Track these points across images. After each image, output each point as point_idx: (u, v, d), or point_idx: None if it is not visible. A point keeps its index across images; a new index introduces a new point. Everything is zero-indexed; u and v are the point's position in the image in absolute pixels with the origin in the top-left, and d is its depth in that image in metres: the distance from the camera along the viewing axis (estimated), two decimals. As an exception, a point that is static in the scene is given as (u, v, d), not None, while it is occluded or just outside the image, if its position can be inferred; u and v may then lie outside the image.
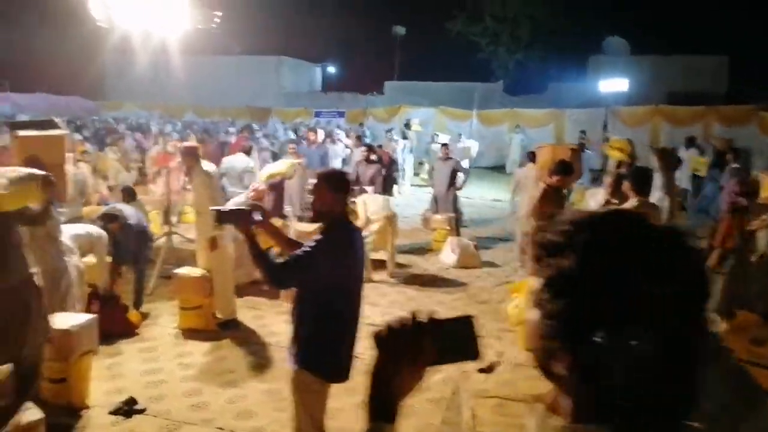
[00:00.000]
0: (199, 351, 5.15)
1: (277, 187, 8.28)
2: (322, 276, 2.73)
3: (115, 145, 12.33)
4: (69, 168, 4.68)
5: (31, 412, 3.31)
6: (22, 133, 4.63)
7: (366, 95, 26.89)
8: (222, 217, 2.81)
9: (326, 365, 2.84)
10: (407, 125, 19.16)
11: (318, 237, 2.77)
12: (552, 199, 5.48)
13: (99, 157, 9.46)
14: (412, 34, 31.54)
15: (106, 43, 26.04)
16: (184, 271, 5.64)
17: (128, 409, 3.98)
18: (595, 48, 27.18)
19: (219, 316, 5.75)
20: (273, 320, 5.97)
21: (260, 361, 4.93)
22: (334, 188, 2.85)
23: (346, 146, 13.26)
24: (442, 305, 6.59)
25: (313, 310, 2.80)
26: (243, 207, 2.85)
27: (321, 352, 2.81)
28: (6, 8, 27.51)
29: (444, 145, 10.18)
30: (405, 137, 15.90)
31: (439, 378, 4.70)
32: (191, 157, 5.45)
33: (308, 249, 2.71)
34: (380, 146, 12.84)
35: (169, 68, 24.15)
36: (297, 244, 2.94)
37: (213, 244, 5.46)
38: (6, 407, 3.34)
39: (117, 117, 22.91)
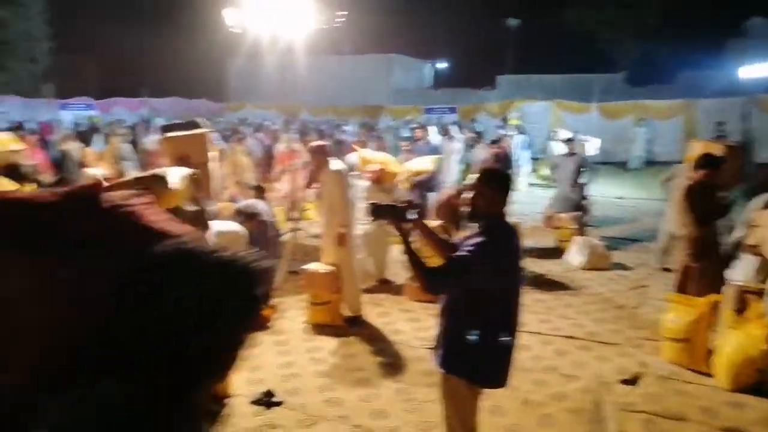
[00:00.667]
0: (328, 346, 5.23)
1: (421, 185, 8.07)
2: (481, 281, 2.60)
3: (240, 145, 12.99)
4: (212, 166, 4.91)
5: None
6: (168, 134, 4.92)
7: (478, 90, 26.43)
8: (377, 212, 2.73)
9: (481, 371, 2.72)
10: (505, 119, 18.64)
11: (477, 240, 2.63)
12: (698, 196, 5.00)
13: (235, 153, 9.94)
14: (527, 26, 30.57)
15: (233, 48, 27.77)
16: (313, 266, 5.76)
17: (268, 400, 4.10)
18: (735, 31, 24.79)
19: (346, 312, 5.82)
20: (397, 318, 5.96)
21: (390, 360, 4.91)
22: (499, 187, 2.70)
23: (466, 143, 13.02)
24: (571, 308, 6.26)
25: (468, 315, 2.67)
26: (399, 204, 2.76)
27: (476, 358, 2.69)
28: (146, 21, 30.06)
29: (569, 140, 9.69)
30: (522, 132, 15.39)
31: (578, 387, 4.44)
32: (321, 155, 5.55)
33: (467, 253, 2.58)
34: (497, 141, 12.49)
35: (287, 69, 25.24)
36: (451, 247, 2.82)
37: (342, 239, 5.52)
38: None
39: (239, 117, 24.23)
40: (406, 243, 2.66)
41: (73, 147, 9.60)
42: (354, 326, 5.69)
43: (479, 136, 13.66)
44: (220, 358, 1.18)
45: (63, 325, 1.32)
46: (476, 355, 2.67)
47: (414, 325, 5.74)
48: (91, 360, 1.21)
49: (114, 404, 1.09)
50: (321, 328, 5.59)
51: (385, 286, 6.91)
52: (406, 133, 15.72)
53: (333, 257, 5.73)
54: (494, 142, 12.19)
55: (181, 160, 4.68)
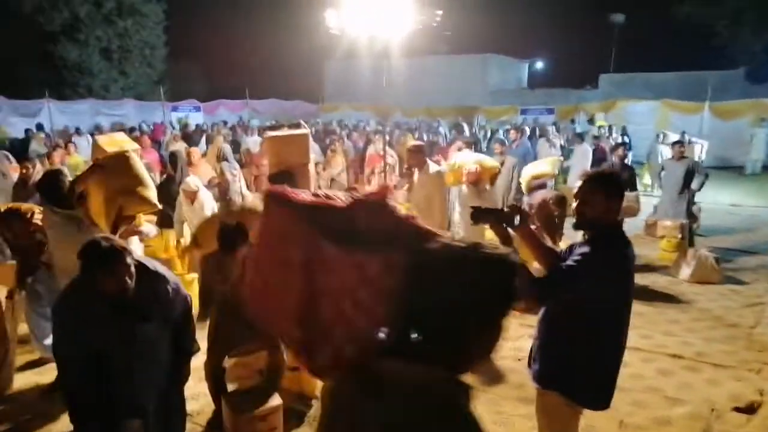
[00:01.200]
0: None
1: (540, 189, 7.82)
2: (589, 294, 2.43)
3: (334, 146, 13.25)
4: (311, 167, 5.01)
5: (273, 398, 3.58)
6: (269, 133, 5.05)
7: (577, 90, 25.37)
8: (479, 216, 2.59)
9: (582, 390, 2.53)
10: (590, 121, 17.83)
11: (586, 250, 2.45)
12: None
13: (333, 153, 10.13)
14: (633, 22, 28.92)
15: (330, 50, 28.49)
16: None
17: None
18: None
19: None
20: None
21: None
22: (611, 193, 2.48)
23: (563, 145, 12.59)
24: (676, 324, 5.81)
25: (572, 328, 2.50)
26: (503, 208, 2.64)
27: (578, 375, 2.51)
28: (249, 26, 31.54)
29: (678, 142, 9.05)
30: (624, 133, 14.59)
31: (684, 412, 4.09)
32: (420, 155, 5.52)
33: (574, 264, 2.40)
34: (625, 144, 11.93)
35: (382, 70, 25.45)
36: (557, 256, 2.65)
37: None
38: (262, 389, 3.64)
39: (334, 119, 24.74)
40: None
41: (181, 147, 10.19)
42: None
43: (580, 137, 13.16)
44: (486, 341, 1.45)
45: (363, 309, 1.50)
46: (578, 371, 2.50)
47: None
48: (389, 341, 1.45)
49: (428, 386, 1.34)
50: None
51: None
52: (500, 135, 15.43)
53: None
54: (621, 144, 11.43)
55: (281, 161, 4.81)
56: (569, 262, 2.42)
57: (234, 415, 3.52)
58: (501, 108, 24.19)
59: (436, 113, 24.76)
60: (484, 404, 4.20)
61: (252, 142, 13.70)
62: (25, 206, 4.54)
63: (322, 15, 7.09)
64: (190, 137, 15.30)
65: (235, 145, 13.55)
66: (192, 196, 5.96)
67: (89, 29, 25.10)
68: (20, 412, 4.18)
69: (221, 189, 7.25)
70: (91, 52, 25.42)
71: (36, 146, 11.74)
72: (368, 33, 6.87)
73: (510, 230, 2.58)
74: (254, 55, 31.01)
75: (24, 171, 6.15)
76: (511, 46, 31.00)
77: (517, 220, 2.57)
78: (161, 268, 2.71)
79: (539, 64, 34.81)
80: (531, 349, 2.75)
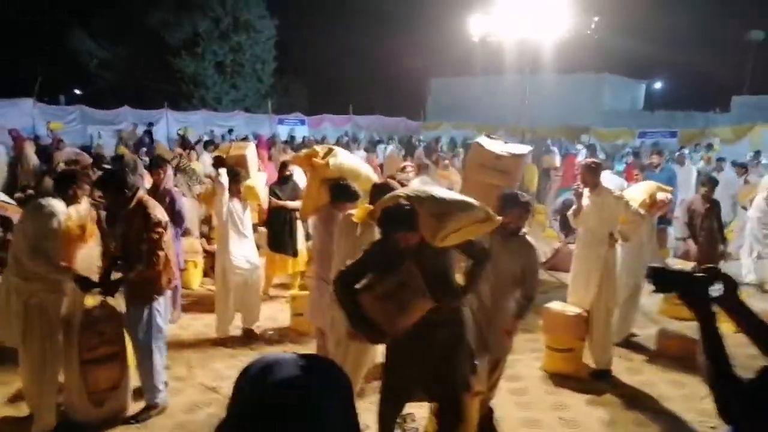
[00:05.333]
0: (577, 404, 4.39)
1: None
2: None
3: (445, 163, 12.69)
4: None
5: None
6: (501, 151, 4.76)
7: (704, 113, 23.31)
8: (663, 282, 1.72)
9: None
10: (709, 146, 16.42)
11: None
12: None
13: (446, 170, 9.67)
14: (774, 40, 26.26)
15: (433, 66, 28.24)
16: (557, 306, 4.97)
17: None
18: None
19: (592, 364, 4.94)
20: (653, 378, 4.92)
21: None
22: None
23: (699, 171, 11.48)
24: None
25: None
26: (696, 272, 1.71)
27: None
28: (354, 42, 31.89)
29: None
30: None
31: None
32: (596, 173, 4.81)
33: None
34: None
35: (486, 89, 24.77)
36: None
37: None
38: None
39: (436, 137, 24.15)
40: (708, 334, 1.62)
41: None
42: (600, 380, 4.79)
43: (720, 163, 12.05)
44: None
45: None
46: None
47: (680, 391, 4.64)
48: None
49: None
50: (562, 379, 4.77)
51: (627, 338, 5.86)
52: (619, 160, 14.28)
53: (582, 297, 4.89)
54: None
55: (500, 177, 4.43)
56: None
57: None
58: (616, 130, 22.62)
59: (540, 134, 23.56)
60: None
61: (360, 156, 13.50)
62: None
63: (429, 31, 6.64)
64: (297, 150, 15.22)
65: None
66: None
67: (206, 44, 26.20)
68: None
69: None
70: (206, 65, 26.50)
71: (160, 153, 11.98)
72: (516, 39, 6.28)
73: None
74: (358, 71, 31.24)
75: (155, 177, 5.97)
76: (628, 64, 29.11)
77: (719, 289, 1.68)
78: None
79: (658, 85, 32.60)
80: None
